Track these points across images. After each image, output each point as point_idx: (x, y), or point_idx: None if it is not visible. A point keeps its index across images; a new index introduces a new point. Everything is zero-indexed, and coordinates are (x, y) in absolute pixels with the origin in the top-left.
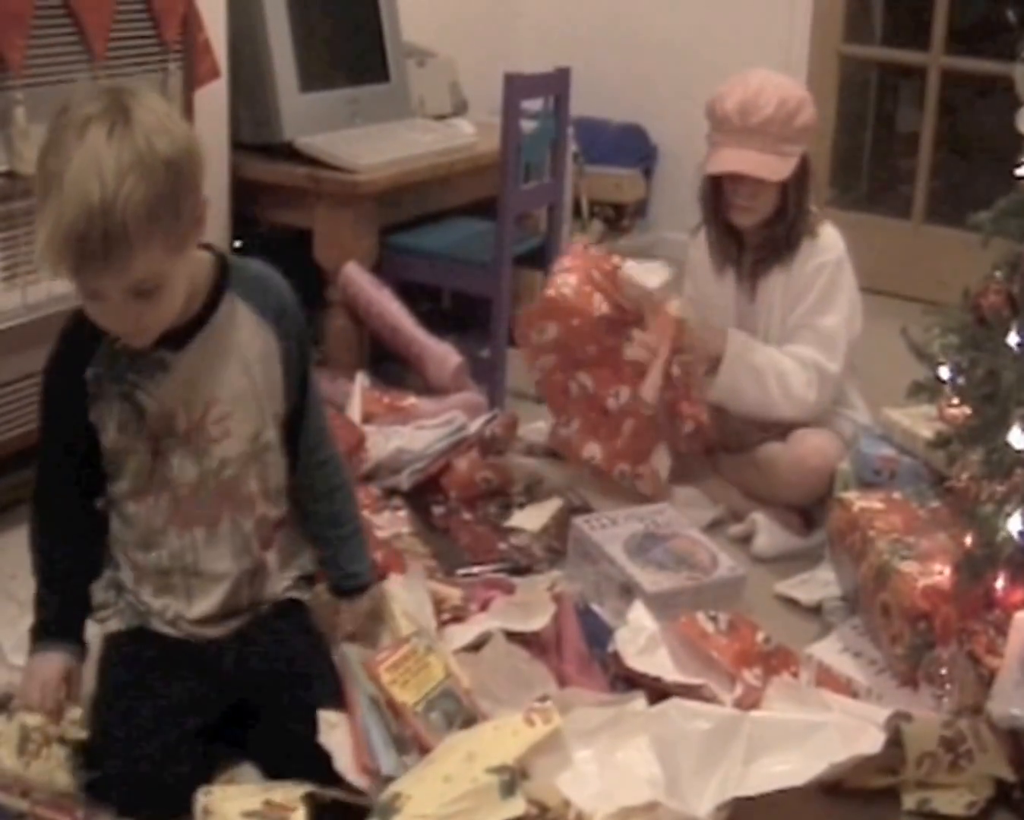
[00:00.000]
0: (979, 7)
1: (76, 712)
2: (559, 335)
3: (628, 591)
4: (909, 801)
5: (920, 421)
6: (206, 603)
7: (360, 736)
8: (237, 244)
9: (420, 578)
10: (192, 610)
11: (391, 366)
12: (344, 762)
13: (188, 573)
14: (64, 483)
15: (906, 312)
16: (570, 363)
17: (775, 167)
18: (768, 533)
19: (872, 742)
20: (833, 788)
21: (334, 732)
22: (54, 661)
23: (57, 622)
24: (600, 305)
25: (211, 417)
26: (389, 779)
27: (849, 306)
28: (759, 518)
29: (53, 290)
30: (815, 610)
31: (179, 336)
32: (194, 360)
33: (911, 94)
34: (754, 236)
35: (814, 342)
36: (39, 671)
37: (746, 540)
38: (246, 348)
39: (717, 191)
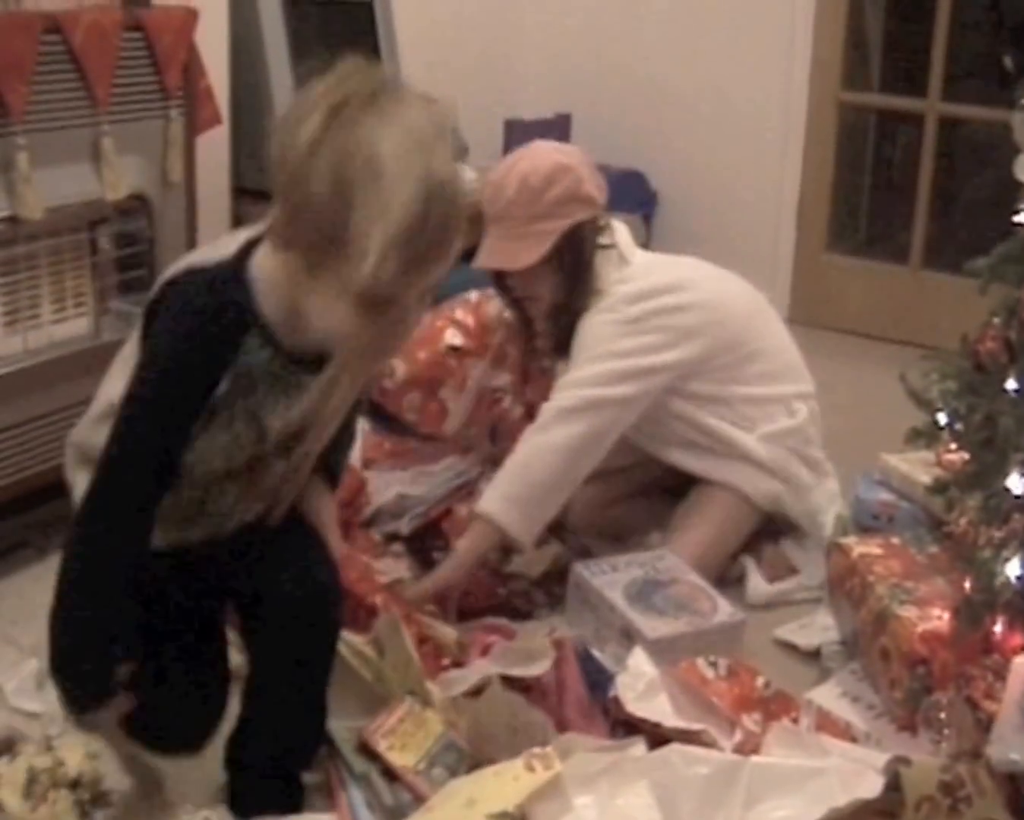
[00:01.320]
0: (976, 53)
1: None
2: (408, 372)
3: (628, 636)
4: None
5: (918, 466)
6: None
7: (345, 811)
8: None
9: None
10: (193, 537)
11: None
12: None
13: (211, 521)
14: (141, 495)
15: (904, 357)
16: (435, 387)
17: (516, 255)
18: (758, 577)
19: (871, 787)
20: None
21: None
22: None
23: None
24: (452, 338)
25: (319, 431)
26: None
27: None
28: (748, 563)
29: (54, 335)
30: (814, 655)
31: (320, 358)
32: (324, 383)
33: (909, 140)
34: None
35: (597, 371)
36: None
37: (737, 581)
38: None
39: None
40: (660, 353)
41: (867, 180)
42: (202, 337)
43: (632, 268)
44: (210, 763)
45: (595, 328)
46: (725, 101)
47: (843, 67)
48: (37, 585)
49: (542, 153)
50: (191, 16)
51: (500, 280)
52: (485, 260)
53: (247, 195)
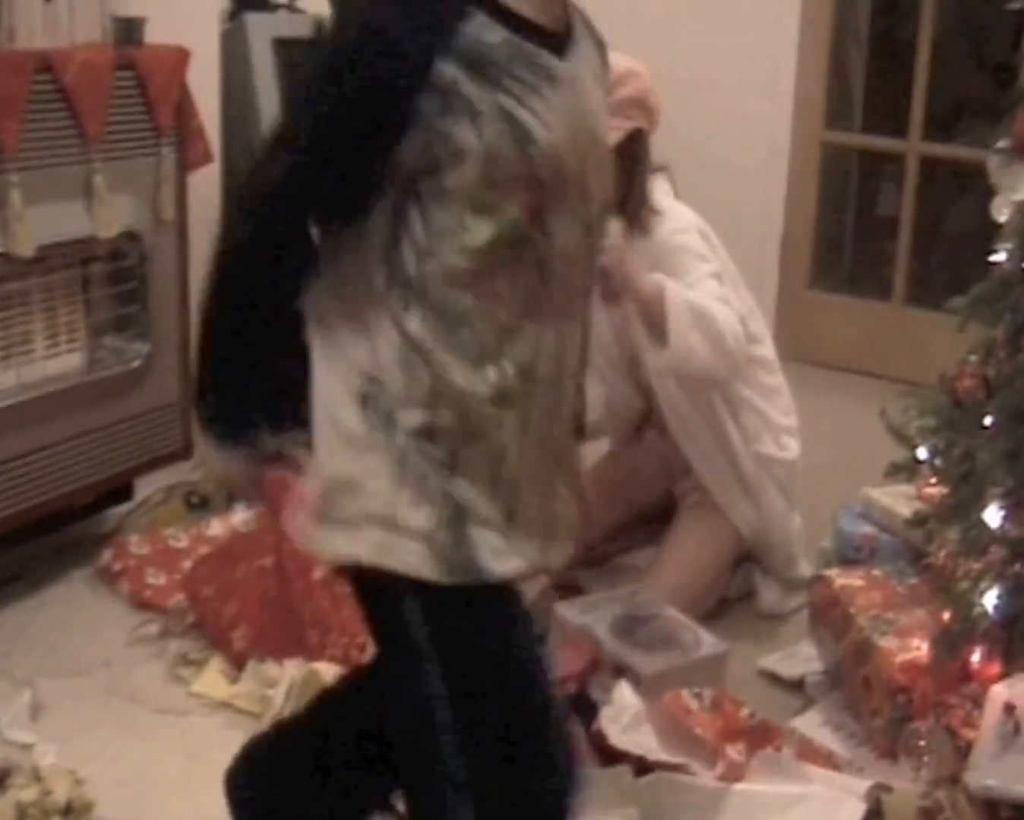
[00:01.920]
0: (957, 93)
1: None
2: None
3: (619, 672)
4: None
5: (899, 500)
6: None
7: None
8: None
9: None
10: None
11: None
12: None
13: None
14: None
15: (887, 393)
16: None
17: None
18: (770, 588)
19: (852, 813)
20: None
21: None
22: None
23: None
24: None
25: (593, 160)
26: None
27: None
28: (757, 575)
29: (47, 370)
30: (798, 685)
31: (560, 39)
32: (575, 76)
33: (892, 178)
34: None
35: (705, 281)
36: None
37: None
38: (595, 78)
39: None
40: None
41: (850, 218)
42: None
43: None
44: None
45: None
46: (709, 139)
47: (826, 107)
48: (30, 617)
49: (615, 56)
50: (183, 56)
51: None
52: None
53: None
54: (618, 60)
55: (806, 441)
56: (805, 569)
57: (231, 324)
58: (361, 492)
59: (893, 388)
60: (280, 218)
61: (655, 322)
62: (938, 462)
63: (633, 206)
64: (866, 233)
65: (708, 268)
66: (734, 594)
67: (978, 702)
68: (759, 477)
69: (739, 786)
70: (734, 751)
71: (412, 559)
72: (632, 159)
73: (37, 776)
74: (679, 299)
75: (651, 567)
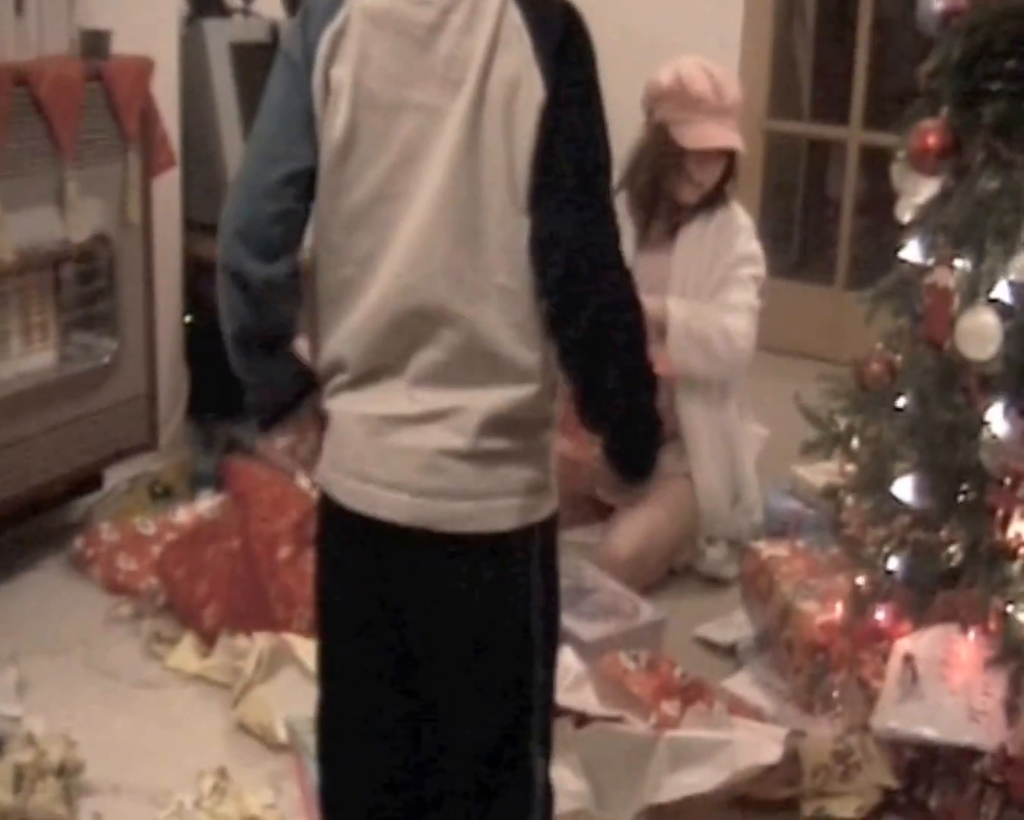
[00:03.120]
0: (904, 81)
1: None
2: None
3: (563, 639)
4: (808, 809)
5: (823, 477)
6: None
7: (308, 796)
8: (188, 319)
9: None
10: None
11: None
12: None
13: None
14: None
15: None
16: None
17: (737, 140)
18: (717, 549)
19: (771, 754)
20: (741, 801)
21: None
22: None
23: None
24: None
25: None
26: None
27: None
28: (701, 541)
29: (22, 367)
30: (730, 650)
31: None
32: None
33: (839, 163)
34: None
35: (747, 282)
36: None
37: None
38: None
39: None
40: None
41: (799, 203)
42: None
43: None
44: None
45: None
46: None
47: (769, 96)
48: (7, 602)
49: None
50: (147, 66)
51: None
52: (728, 141)
53: (197, 228)
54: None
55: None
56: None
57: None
58: None
59: (835, 370)
60: None
61: (657, 338)
62: (850, 440)
63: (722, 196)
64: (816, 218)
65: (753, 271)
66: (679, 566)
67: (887, 657)
68: (745, 453)
69: (669, 734)
70: (669, 707)
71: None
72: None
73: (31, 740)
74: (679, 322)
75: (606, 539)
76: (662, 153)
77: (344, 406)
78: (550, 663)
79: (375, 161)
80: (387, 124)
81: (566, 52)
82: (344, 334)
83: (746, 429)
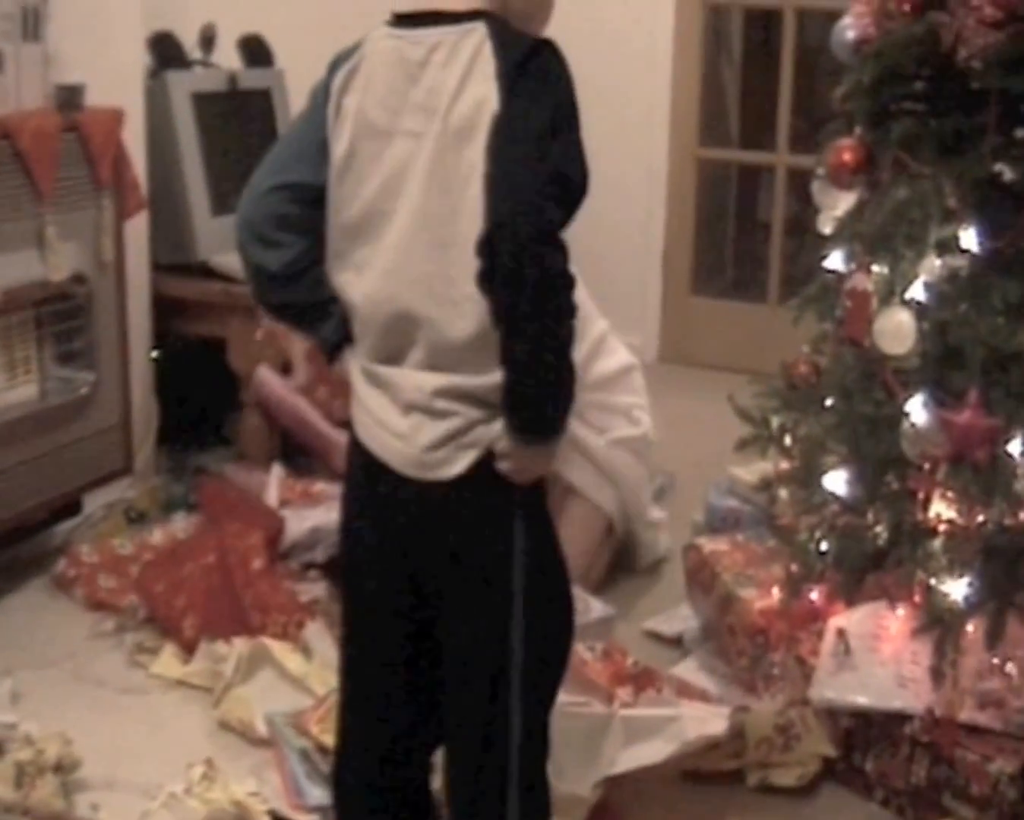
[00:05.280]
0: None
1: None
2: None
3: None
4: (752, 779)
5: (760, 476)
6: None
7: (289, 783)
8: (155, 355)
9: (323, 632)
10: None
11: (301, 458)
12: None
13: None
14: None
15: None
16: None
17: None
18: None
19: (717, 726)
20: (691, 773)
21: None
22: None
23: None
24: None
25: None
26: (317, 808)
27: None
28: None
29: (6, 400)
30: (677, 641)
31: None
32: None
33: (768, 187)
34: None
35: None
36: None
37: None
38: None
39: None
40: None
41: (731, 227)
42: None
43: None
44: None
45: None
46: (591, 158)
47: (700, 126)
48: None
49: None
50: (118, 116)
51: None
52: None
53: (164, 269)
54: None
55: (688, 436)
56: (657, 514)
57: None
58: None
59: (767, 376)
60: None
61: None
62: (782, 437)
63: None
64: (747, 239)
65: None
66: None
67: (822, 635)
68: (615, 458)
69: (622, 712)
70: (624, 692)
71: None
72: None
73: (30, 740)
74: None
75: None
76: None
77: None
78: (539, 619)
79: (368, 180)
80: (380, 148)
81: (525, 68)
82: (356, 327)
83: (612, 439)
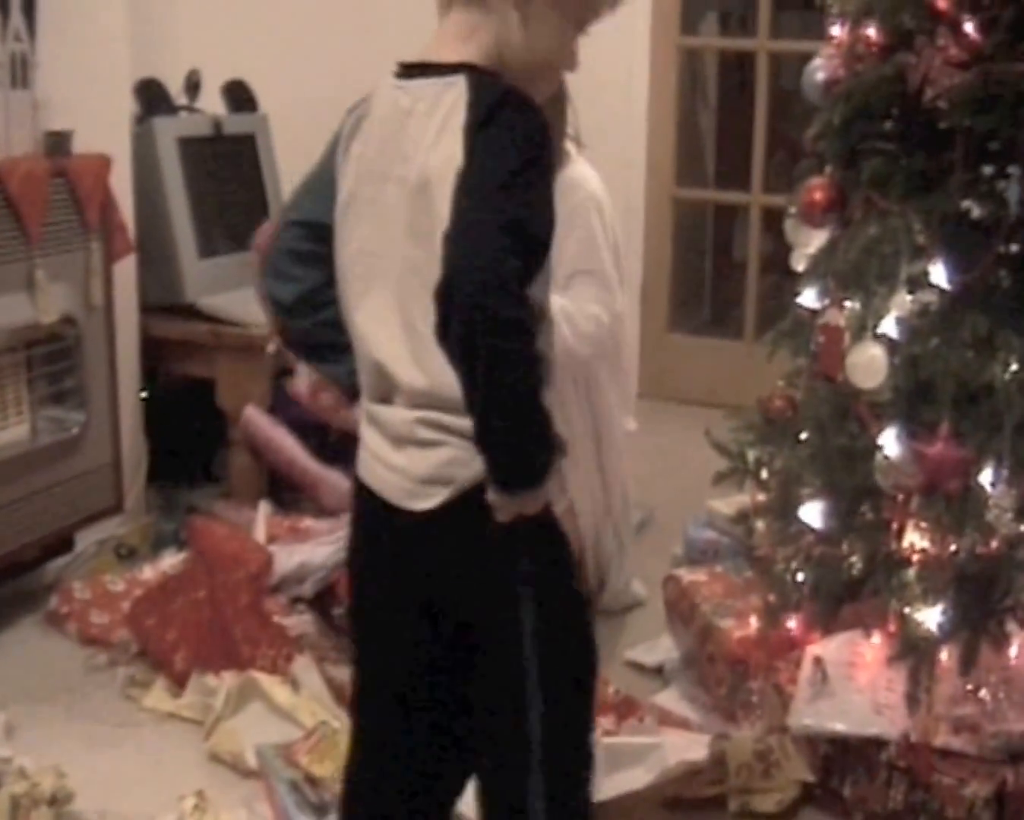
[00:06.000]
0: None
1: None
2: None
3: None
4: (733, 805)
5: (737, 509)
6: None
7: (279, 813)
8: (144, 395)
9: (311, 666)
10: None
11: (288, 495)
12: None
13: None
14: None
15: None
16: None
17: None
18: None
19: (698, 754)
20: (673, 800)
21: None
22: None
23: None
24: None
25: None
26: None
27: (612, 249)
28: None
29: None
30: (658, 670)
31: None
32: None
33: (743, 225)
34: None
35: (594, 287)
36: None
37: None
38: None
39: None
40: None
41: (708, 265)
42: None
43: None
44: None
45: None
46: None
47: (676, 166)
48: None
49: None
50: (106, 161)
51: None
52: None
53: (152, 311)
54: None
55: (668, 469)
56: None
57: None
58: None
59: (744, 411)
60: None
61: None
62: (759, 470)
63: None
64: (724, 277)
65: (603, 260)
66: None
67: (799, 663)
68: (616, 453)
69: (605, 740)
70: (606, 721)
71: None
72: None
73: (24, 773)
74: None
75: None
76: None
77: (363, 429)
78: (554, 660)
79: (363, 222)
80: (375, 192)
81: (491, 120)
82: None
83: (621, 427)
